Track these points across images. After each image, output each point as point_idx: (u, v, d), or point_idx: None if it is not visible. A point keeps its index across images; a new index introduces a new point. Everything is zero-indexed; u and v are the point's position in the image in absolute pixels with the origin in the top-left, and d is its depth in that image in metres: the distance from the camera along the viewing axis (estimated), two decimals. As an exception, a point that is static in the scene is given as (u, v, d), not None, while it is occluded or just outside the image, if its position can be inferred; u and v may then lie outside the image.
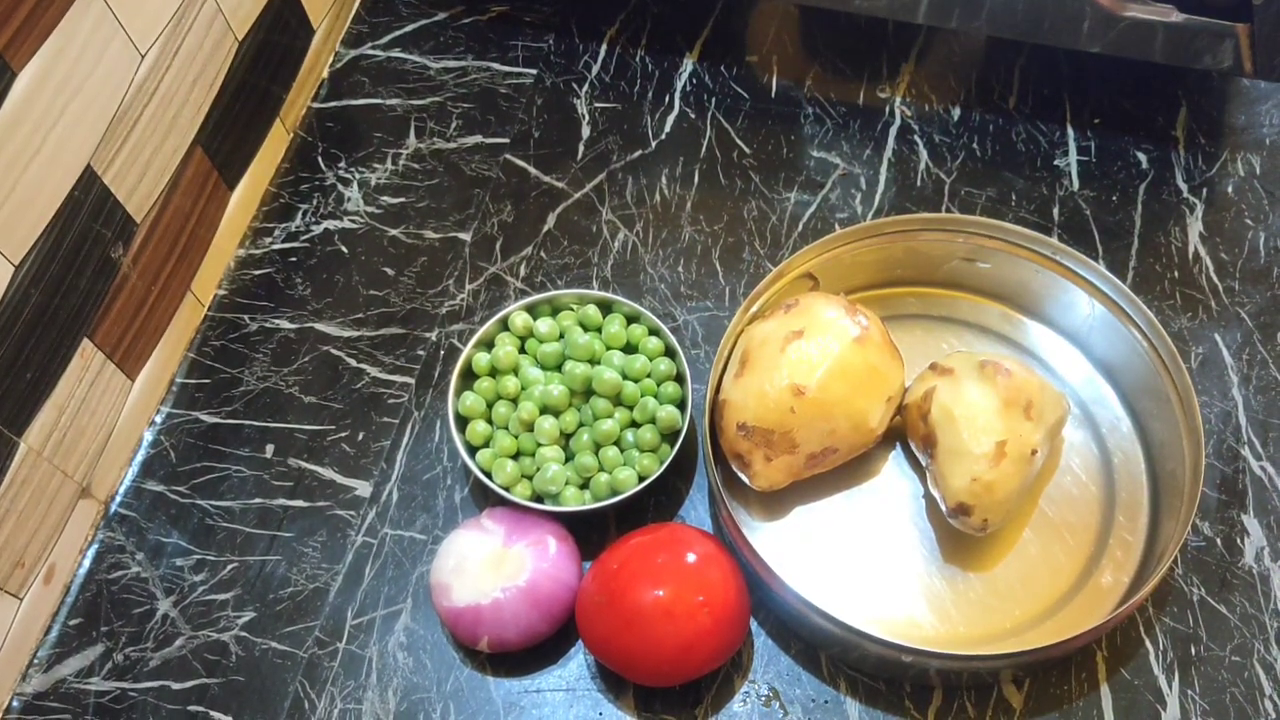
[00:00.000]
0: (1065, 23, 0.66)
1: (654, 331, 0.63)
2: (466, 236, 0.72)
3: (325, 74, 0.79)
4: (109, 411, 0.62)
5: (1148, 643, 0.58)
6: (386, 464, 0.64)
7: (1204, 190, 0.72)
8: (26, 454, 0.56)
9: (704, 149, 0.75)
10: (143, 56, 0.60)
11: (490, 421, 0.61)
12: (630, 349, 0.63)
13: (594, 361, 0.61)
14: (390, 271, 0.71)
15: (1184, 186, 0.72)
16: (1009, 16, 0.67)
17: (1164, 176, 0.73)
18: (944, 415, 0.57)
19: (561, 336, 0.63)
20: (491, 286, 0.70)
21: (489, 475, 0.59)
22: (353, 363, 0.68)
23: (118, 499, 0.64)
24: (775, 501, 0.61)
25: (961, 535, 0.59)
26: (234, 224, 0.72)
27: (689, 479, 0.63)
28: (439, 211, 0.73)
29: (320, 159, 0.76)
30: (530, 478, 0.60)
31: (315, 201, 0.74)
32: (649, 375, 0.61)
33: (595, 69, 0.79)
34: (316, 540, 0.62)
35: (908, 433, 0.60)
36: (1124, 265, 0.69)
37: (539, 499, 0.59)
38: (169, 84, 0.62)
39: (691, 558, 0.54)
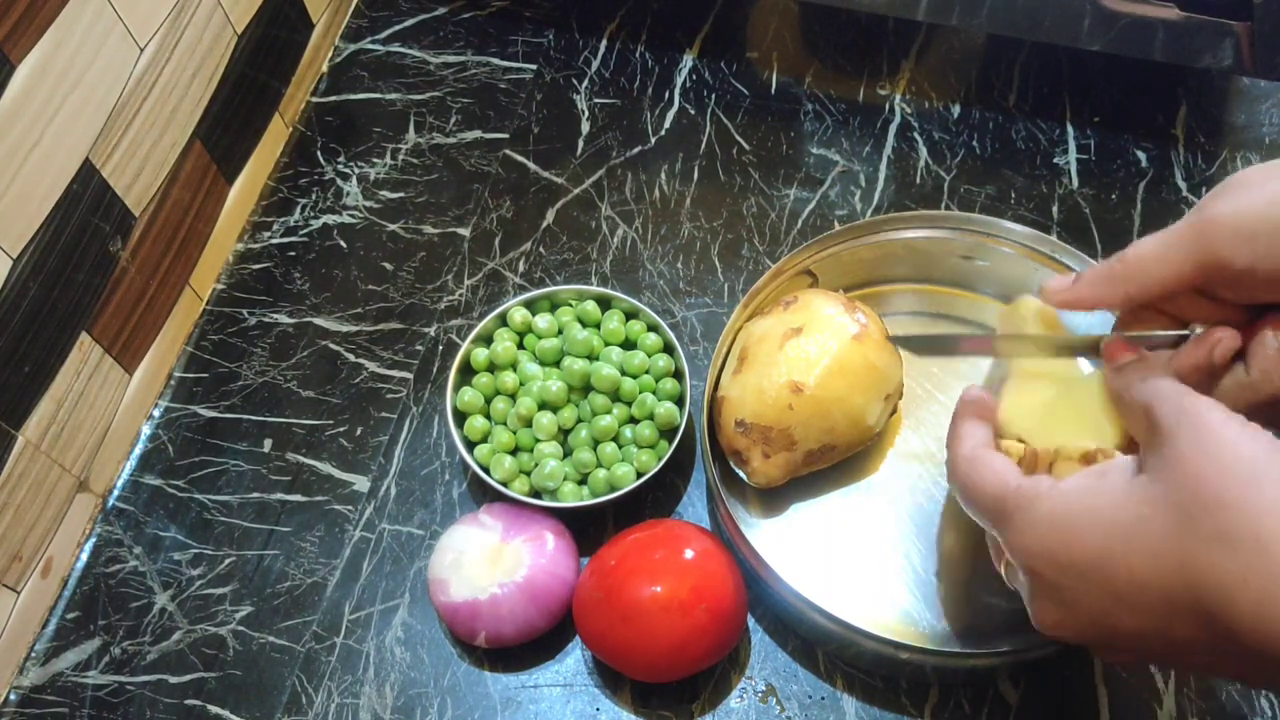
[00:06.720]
0: (1066, 21, 0.66)
1: (652, 327, 0.63)
2: (465, 232, 0.72)
3: (325, 68, 0.79)
4: (107, 405, 0.62)
5: (1144, 641, 0.58)
6: (384, 459, 0.64)
7: (1203, 189, 0.72)
8: (24, 447, 0.56)
9: (703, 145, 0.75)
10: (142, 49, 0.60)
11: (488, 417, 0.61)
12: (629, 345, 0.63)
13: (592, 357, 0.61)
14: (389, 266, 0.71)
15: (1183, 185, 0.72)
16: (1009, 14, 0.67)
17: (1163, 175, 0.73)
18: None
19: (560, 332, 0.62)
20: (490, 282, 0.70)
21: (487, 470, 0.59)
22: (351, 358, 0.68)
23: (115, 493, 0.64)
24: (773, 498, 0.61)
25: (959, 533, 0.59)
26: (232, 218, 0.71)
27: (687, 475, 0.63)
28: (438, 206, 0.73)
29: (319, 153, 0.76)
30: (528, 473, 0.60)
31: (314, 196, 0.74)
32: (647, 371, 0.61)
33: (595, 64, 0.79)
34: (314, 535, 0.62)
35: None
36: (1123, 263, 0.69)
37: (537, 494, 0.59)
38: (168, 77, 0.62)
39: (689, 554, 0.54)
